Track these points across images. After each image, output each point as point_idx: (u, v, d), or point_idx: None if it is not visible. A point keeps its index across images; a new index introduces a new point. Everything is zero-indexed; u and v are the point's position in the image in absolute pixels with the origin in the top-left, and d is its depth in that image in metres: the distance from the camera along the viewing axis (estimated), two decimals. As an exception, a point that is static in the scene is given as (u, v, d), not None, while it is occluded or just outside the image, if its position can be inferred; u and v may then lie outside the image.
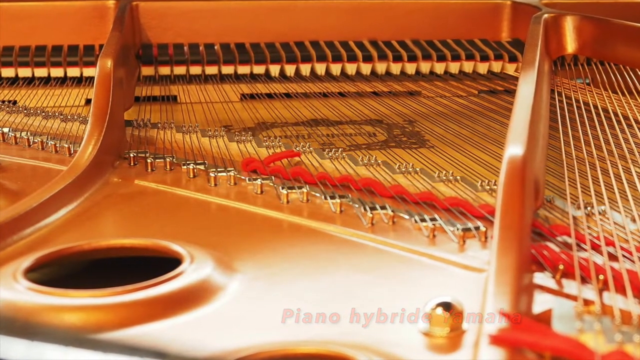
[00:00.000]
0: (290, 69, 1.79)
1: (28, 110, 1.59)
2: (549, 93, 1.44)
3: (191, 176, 1.25)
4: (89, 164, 1.21)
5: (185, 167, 1.27)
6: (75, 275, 1.03)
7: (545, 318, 0.84)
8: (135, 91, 1.69)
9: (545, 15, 1.64)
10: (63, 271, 1.02)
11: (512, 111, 1.08)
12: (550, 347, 0.73)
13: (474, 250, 1.01)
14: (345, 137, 1.48)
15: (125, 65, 1.55)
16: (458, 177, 1.22)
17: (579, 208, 1.08)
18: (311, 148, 1.35)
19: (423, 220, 1.07)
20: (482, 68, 1.82)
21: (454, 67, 1.81)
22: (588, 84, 1.67)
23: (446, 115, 1.60)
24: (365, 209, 1.09)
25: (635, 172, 1.19)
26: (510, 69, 1.81)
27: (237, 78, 1.77)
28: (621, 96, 1.53)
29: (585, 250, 0.95)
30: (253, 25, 1.88)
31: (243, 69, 1.78)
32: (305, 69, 1.79)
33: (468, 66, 1.82)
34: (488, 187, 1.18)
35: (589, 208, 1.08)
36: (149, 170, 1.28)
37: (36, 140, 1.41)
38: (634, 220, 1.05)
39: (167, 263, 0.95)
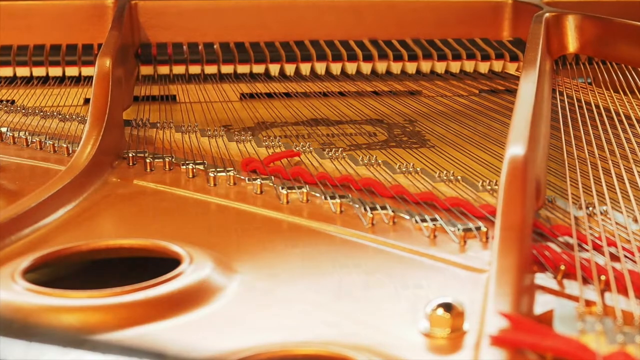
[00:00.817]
0: (290, 69, 1.78)
1: (26, 109, 1.59)
2: (551, 92, 1.44)
3: (190, 176, 1.25)
4: (87, 163, 1.20)
5: (184, 167, 1.26)
6: (73, 275, 1.03)
7: (546, 319, 0.84)
8: (134, 91, 1.68)
9: (547, 14, 1.63)
10: (62, 272, 1.01)
11: (513, 111, 1.07)
12: (551, 348, 0.73)
13: (475, 250, 1.00)
14: (345, 136, 1.47)
15: (124, 65, 1.55)
16: (459, 177, 1.22)
17: (580, 208, 1.07)
18: (311, 148, 1.35)
19: (424, 220, 1.06)
20: (483, 67, 1.81)
21: (454, 67, 1.81)
22: (589, 84, 1.67)
23: (447, 115, 1.59)
24: (365, 209, 1.09)
25: (637, 171, 1.19)
26: (512, 68, 1.80)
27: (236, 77, 1.77)
28: (623, 95, 1.52)
29: (587, 250, 0.95)
30: (252, 24, 1.87)
31: (242, 69, 1.77)
32: (305, 68, 1.79)
33: (469, 65, 1.81)
34: (489, 187, 1.18)
35: (590, 208, 1.08)
36: (148, 170, 1.28)
37: (34, 140, 1.40)
38: (635, 221, 1.05)
39: (166, 263, 0.94)
